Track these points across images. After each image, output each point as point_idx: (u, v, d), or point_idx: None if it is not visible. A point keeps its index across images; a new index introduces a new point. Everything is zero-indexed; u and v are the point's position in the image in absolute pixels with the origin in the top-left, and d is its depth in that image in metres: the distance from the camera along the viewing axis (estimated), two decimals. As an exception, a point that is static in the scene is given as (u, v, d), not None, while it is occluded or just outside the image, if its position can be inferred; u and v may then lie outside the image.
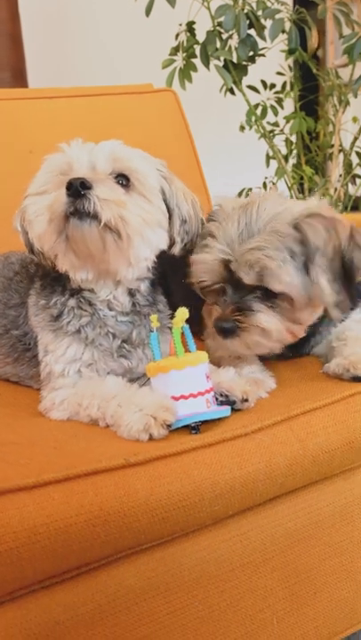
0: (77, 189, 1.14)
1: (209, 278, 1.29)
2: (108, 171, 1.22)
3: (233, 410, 1.18)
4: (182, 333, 1.17)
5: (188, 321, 1.18)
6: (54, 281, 1.31)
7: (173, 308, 1.72)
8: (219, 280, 1.27)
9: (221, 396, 1.19)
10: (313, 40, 2.64)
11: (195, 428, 1.12)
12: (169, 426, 1.09)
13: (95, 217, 1.15)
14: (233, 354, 1.33)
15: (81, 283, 1.27)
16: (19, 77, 4.40)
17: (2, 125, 1.99)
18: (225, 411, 1.16)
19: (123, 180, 1.23)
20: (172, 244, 1.30)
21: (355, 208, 3.11)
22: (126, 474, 1.01)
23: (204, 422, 1.13)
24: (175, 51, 2.77)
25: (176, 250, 1.31)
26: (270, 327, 1.23)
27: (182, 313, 1.18)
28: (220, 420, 1.15)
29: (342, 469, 1.24)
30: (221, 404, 1.19)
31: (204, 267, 1.28)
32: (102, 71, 4.17)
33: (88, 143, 1.26)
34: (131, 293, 1.32)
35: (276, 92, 3.01)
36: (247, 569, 1.15)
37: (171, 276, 1.78)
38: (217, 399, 1.19)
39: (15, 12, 4.19)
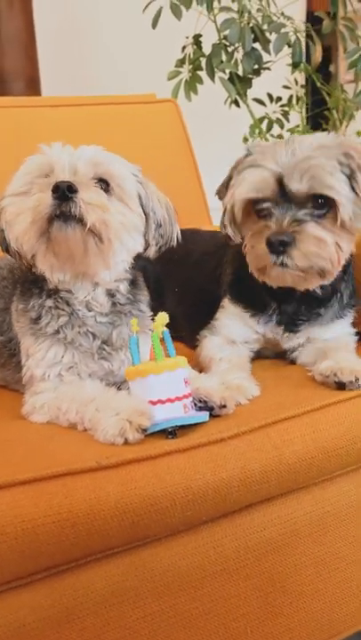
0: (64, 192, 1.15)
1: (260, 194, 1.33)
2: (90, 175, 1.23)
3: (211, 415, 1.18)
4: (162, 338, 1.18)
5: (171, 326, 1.18)
6: (32, 284, 1.32)
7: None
8: (269, 196, 1.31)
9: (200, 401, 1.19)
10: (317, 55, 2.65)
11: (171, 432, 1.12)
12: (144, 430, 1.09)
13: (80, 220, 1.17)
14: (284, 281, 1.34)
15: (58, 284, 1.28)
16: (32, 87, 4.45)
17: (4, 133, 2.01)
18: (203, 416, 1.16)
19: (103, 184, 1.24)
20: (147, 246, 1.32)
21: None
22: (98, 476, 1.02)
23: (182, 427, 1.13)
24: (181, 63, 2.79)
25: (151, 252, 1.33)
26: (325, 236, 1.28)
27: (162, 318, 1.18)
28: (197, 425, 1.15)
29: (320, 479, 1.23)
30: (200, 409, 1.19)
31: (255, 183, 1.32)
32: (113, 81, 4.21)
33: (68, 146, 1.28)
34: (110, 294, 1.32)
35: (283, 106, 3.01)
36: (220, 576, 1.14)
37: (165, 281, 1.79)
38: (196, 404, 1.18)
39: (30, 22, 4.24)
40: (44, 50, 4.20)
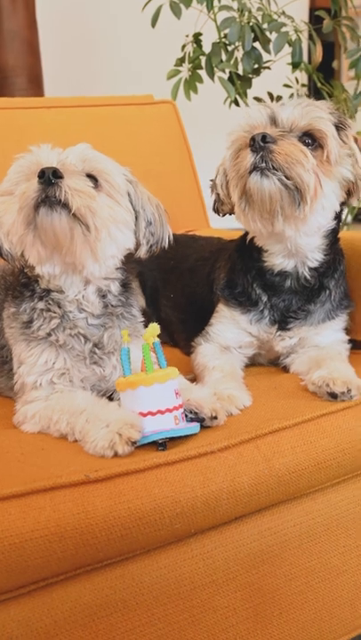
0: (49, 178, 1.17)
1: (252, 129, 1.35)
2: (78, 170, 1.24)
3: (202, 427, 1.18)
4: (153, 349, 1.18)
5: (167, 331, 1.19)
6: (23, 287, 1.33)
7: (161, 321, 1.74)
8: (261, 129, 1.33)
9: (191, 412, 1.19)
10: (317, 55, 2.63)
11: (162, 444, 1.12)
12: (134, 443, 1.09)
13: (65, 206, 1.18)
14: (261, 192, 1.32)
15: (48, 278, 1.28)
16: (35, 82, 4.44)
17: (1, 135, 2.01)
18: (193, 428, 1.16)
19: (91, 180, 1.25)
20: (137, 246, 1.34)
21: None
22: (86, 490, 1.02)
23: (172, 439, 1.13)
24: (181, 61, 2.77)
25: (142, 252, 1.34)
26: (308, 153, 1.31)
27: (153, 328, 1.18)
28: (187, 436, 1.15)
29: (310, 490, 1.23)
30: (191, 420, 1.19)
31: (247, 120, 1.37)
32: (115, 75, 4.21)
33: (57, 148, 1.29)
34: (102, 294, 1.33)
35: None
36: (210, 588, 1.14)
37: (160, 287, 1.80)
38: (187, 416, 1.18)
39: (32, 18, 4.23)
40: (47, 45, 4.19)
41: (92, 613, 1.05)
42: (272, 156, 1.29)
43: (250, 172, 1.31)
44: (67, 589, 1.03)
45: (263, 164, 1.29)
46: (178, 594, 1.12)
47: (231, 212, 1.48)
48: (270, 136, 1.29)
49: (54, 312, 1.29)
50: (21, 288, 1.33)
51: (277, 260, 1.44)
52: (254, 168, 1.30)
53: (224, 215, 1.51)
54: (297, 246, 1.41)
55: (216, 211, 1.51)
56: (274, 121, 1.34)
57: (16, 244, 1.25)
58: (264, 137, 1.29)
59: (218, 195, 1.48)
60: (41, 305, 1.30)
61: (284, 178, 1.30)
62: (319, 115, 1.35)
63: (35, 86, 4.47)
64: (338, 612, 1.28)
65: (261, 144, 1.29)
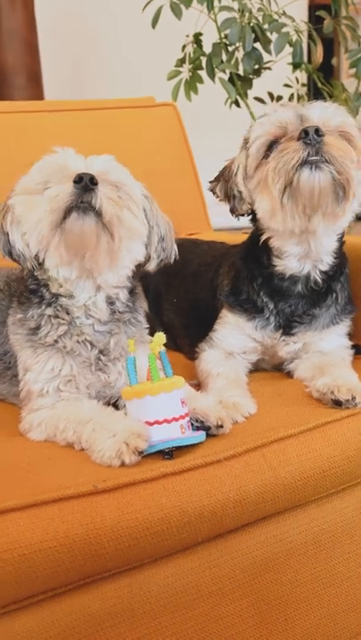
0: (87, 184, 1.19)
1: (282, 130, 1.35)
2: (108, 179, 1.25)
3: (208, 435, 1.19)
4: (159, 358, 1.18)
5: (170, 335, 1.19)
6: (31, 293, 1.33)
7: (164, 325, 1.75)
8: (292, 131, 1.33)
9: (197, 421, 1.19)
10: (318, 55, 2.63)
11: (168, 453, 1.13)
12: (141, 452, 1.10)
13: (97, 213, 1.20)
14: (312, 187, 1.31)
15: (62, 282, 1.29)
16: (34, 81, 4.44)
17: (2, 138, 2.01)
18: (200, 436, 1.17)
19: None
20: (147, 259, 1.35)
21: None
22: (94, 500, 1.03)
23: (178, 448, 1.14)
24: (181, 62, 2.77)
25: (152, 266, 1.35)
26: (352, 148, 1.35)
27: (159, 338, 1.19)
28: (193, 445, 1.15)
29: (315, 497, 1.24)
30: (197, 429, 1.19)
31: (277, 121, 1.36)
32: (114, 75, 4.20)
33: (79, 154, 1.30)
34: (110, 301, 1.33)
35: (284, 105, 2.99)
36: (216, 596, 1.15)
37: (164, 291, 1.80)
38: (192, 424, 1.19)
39: (31, 17, 4.22)
40: (46, 44, 4.18)
41: (100, 623, 1.06)
42: (326, 148, 1.29)
43: (301, 165, 1.29)
44: (74, 599, 1.04)
45: (317, 157, 1.29)
46: (184, 602, 1.12)
47: (249, 212, 1.47)
48: (322, 130, 1.29)
49: (63, 318, 1.29)
50: (29, 294, 1.33)
51: (291, 264, 1.44)
52: (305, 161, 1.29)
53: (241, 216, 1.50)
54: (317, 247, 1.42)
55: (233, 211, 1.48)
56: (302, 120, 1.34)
57: (37, 243, 1.25)
58: (318, 130, 1.28)
59: (240, 193, 1.44)
60: (49, 311, 1.30)
61: (335, 172, 1.30)
62: (347, 117, 1.37)
63: (34, 85, 4.47)
64: (343, 617, 1.29)
65: (316, 137, 1.28)
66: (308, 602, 1.25)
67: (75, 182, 1.19)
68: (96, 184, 1.20)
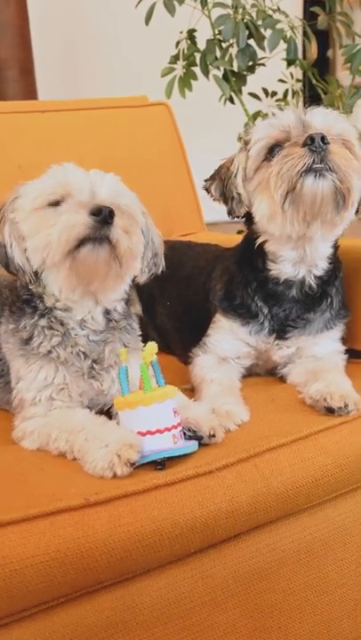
0: (106, 219, 1.18)
1: (284, 134, 1.36)
2: (108, 203, 1.23)
3: (200, 444, 1.19)
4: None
5: (163, 339, 1.19)
6: (24, 303, 1.32)
7: (157, 329, 1.75)
8: (295, 135, 1.34)
9: (189, 430, 1.19)
10: (312, 51, 2.62)
11: (160, 463, 1.13)
12: (133, 464, 1.10)
13: (112, 244, 1.20)
14: (314, 194, 1.31)
15: (65, 301, 1.29)
16: (26, 74, 4.42)
17: (-3, 138, 2.00)
18: (192, 446, 1.17)
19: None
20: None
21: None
22: (86, 514, 1.03)
23: (170, 458, 1.13)
24: (175, 59, 2.75)
25: (142, 279, 1.36)
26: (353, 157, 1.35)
27: (151, 347, 1.18)
28: (186, 455, 1.15)
29: (308, 505, 1.24)
30: (189, 438, 1.19)
31: (280, 125, 1.36)
32: (107, 69, 4.18)
33: (81, 168, 1.29)
34: (107, 312, 1.33)
35: (278, 100, 2.98)
36: (209, 606, 1.16)
37: (158, 298, 1.80)
38: (185, 434, 1.19)
39: (24, 10, 4.20)
40: (38, 37, 4.16)
41: (94, 635, 1.06)
42: (330, 157, 1.29)
43: (305, 172, 1.29)
44: (68, 611, 1.04)
45: (321, 165, 1.28)
46: (177, 612, 1.13)
47: (245, 215, 1.46)
48: (327, 137, 1.29)
49: (57, 330, 1.29)
50: (22, 304, 1.32)
51: (286, 268, 1.44)
52: (310, 168, 1.29)
53: (238, 217, 1.48)
54: (313, 253, 1.42)
55: (231, 213, 1.47)
56: (304, 125, 1.34)
57: (41, 263, 1.24)
58: (323, 137, 1.28)
59: (239, 195, 1.43)
60: (43, 322, 1.29)
61: (337, 181, 1.30)
62: (347, 124, 1.37)
63: (26, 78, 4.45)
64: (336, 624, 1.30)
65: (322, 145, 1.28)
66: (302, 609, 1.25)
67: (93, 214, 1.17)
68: (113, 216, 1.19)
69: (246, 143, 1.43)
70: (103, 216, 1.17)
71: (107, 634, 1.07)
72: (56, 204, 1.23)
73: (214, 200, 1.51)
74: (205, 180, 1.52)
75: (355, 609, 1.32)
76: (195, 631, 1.14)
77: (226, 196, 1.46)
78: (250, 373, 1.56)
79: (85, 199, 1.21)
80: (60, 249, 1.20)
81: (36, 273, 1.27)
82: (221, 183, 1.47)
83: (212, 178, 1.50)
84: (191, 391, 1.46)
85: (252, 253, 1.48)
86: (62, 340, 1.29)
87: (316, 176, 1.29)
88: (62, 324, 1.30)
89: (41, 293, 1.30)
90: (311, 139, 1.28)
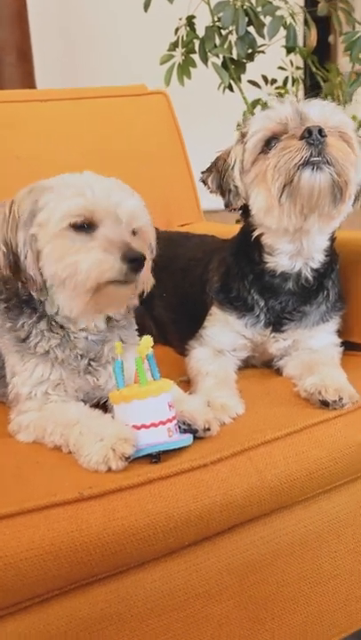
0: (135, 263, 1.19)
1: (282, 126, 1.35)
2: (130, 228, 1.25)
3: (195, 438, 1.19)
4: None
5: (160, 330, 1.19)
6: (23, 303, 1.31)
7: (154, 320, 1.75)
8: (292, 128, 1.33)
9: (184, 424, 1.20)
10: (312, 39, 2.60)
11: (155, 457, 1.13)
12: (128, 458, 1.10)
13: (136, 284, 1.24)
14: (312, 188, 1.31)
15: (68, 314, 1.29)
16: (24, 59, 4.40)
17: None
18: (187, 439, 1.17)
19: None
20: None
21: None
22: (80, 508, 1.03)
23: (165, 451, 1.14)
24: (174, 46, 2.74)
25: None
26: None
27: (147, 341, 1.19)
28: (180, 448, 1.16)
29: (302, 498, 1.25)
30: (184, 431, 1.20)
31: (277, 117, 1.35)
32: (105, 53, 4.16)
33: (100, 179, 1.28)
34: (108, 315, 1.34)
35: (278, 88, 2.97)
36: (203, 598, 1.17)
37: (155, 289, 1.79)
38: (180, 427, 1.19)
39: (21, -5, 4.18)
40: (36, 21, 4.14)
41: (88, 627, 1.07)
42: (328, 150, 1.28)
43: (303, 165, 1.29)
44: (62, 604, 1.05)
45: (318, 158, 1.28)
46: (172, 605, 1.14)
47: (242, 207, 1.46)
48: (324, 130, 1.28)
49: (56, 333, 1.29)
50: (20, 302, 1.31)
51: (283, 261, 1.44)
52: (307, 162, 1.28)
53: (235, 210, 1.48)
54: (309, 245, 1.42)
55: (228, 205, 1.46)
56: (301, 117, 1.34)
57: (58, 285, 1.24)
58: (321, 130, 1.28)
59: (236, 187, 1.43)
60: (42, 325, 1.28)
61: (335, 174, 1.30)
62: (345, 116, 1.37)
63: (24, 62, 4.43)
64: (329, 615, 1.31)
65: (320, 137, 1.27)
66: (295, 601, 1.26)
67: (128, 260, 1.18)
68: (143, 266, 1.21)
69: (243, 135, 1.42)
70: (136, 265, 1.19)
71: (101, 626, 1.08)
72: (81, 226, 1.21)
73: (211, 192, 1.51)
74: (202, 173, 1.52)
75: (348, 600, 1.33)
76: (189, 623, 1.15)
77: (223, 189, 1.46)
78: (246, 365, 1.56)
79: (116, 237, 1.20)
80: (86, 284, 1.19)
81: (44, 282, 1.25)
82: (218, 175, 1.46)
83: (209, 170, 1.49)
84: (188, 383, 1.46)
85: (248, 246, 1.48)
86: (61, 342, 1.29)
87: (313, 169, 1.29)
88: (62, 327, 1.30)
89: (44, 300, 1.29)
90: (309, 131, 1.28)
